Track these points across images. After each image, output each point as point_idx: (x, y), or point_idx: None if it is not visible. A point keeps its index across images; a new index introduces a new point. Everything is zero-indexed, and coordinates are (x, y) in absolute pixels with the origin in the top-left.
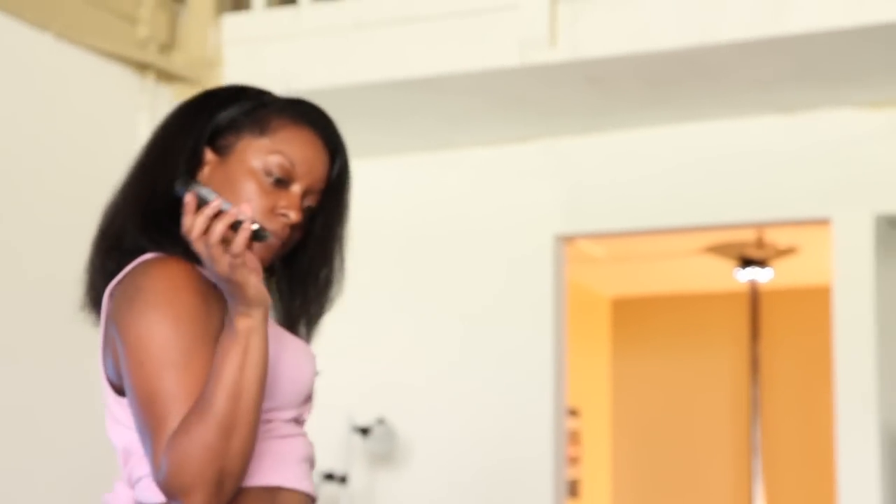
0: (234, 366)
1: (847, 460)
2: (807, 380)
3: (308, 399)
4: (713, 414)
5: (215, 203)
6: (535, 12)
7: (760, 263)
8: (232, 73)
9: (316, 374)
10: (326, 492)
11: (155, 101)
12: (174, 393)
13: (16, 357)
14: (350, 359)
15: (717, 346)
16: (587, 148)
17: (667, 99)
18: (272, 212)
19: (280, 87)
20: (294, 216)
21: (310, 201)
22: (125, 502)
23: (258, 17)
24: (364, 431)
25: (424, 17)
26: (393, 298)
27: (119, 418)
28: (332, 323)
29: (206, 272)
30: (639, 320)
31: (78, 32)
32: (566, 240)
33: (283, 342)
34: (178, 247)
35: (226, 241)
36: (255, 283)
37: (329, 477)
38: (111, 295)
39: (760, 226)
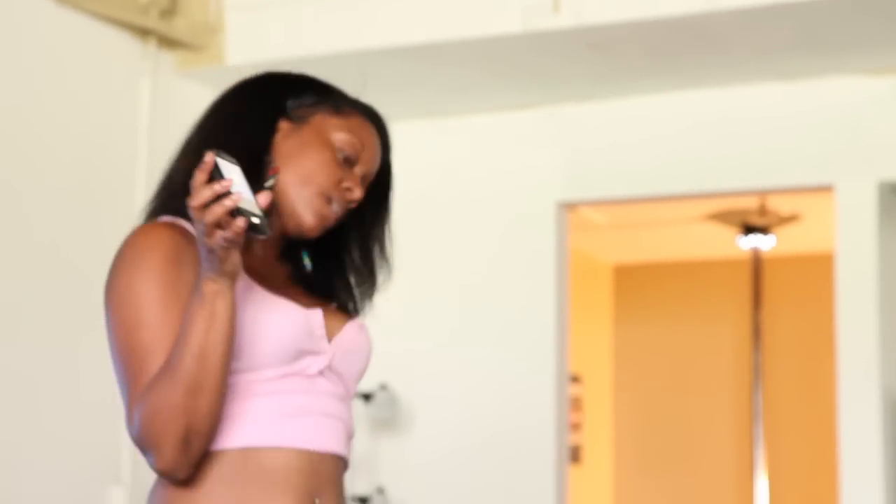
0: (199, 328)
1: (849, 427)
2: (809, 347)
3: (302, 355)
4: (715, 381)
5: (227, 182)
6: None
7: (763, 230)
8: (234, 39)
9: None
10: None
11: (156, 67)
12: (146, 351)
13: (18, 321)
14: None
15: (719, 313)
16: (589, 115)
17: (669, 66)
18: (339, 184)
19: (281, 52)
20: (358, 193)
21: (363, 189)
22: None
23: None
24: (366, 397)
25: None
26: (395, 265)
27: None
28: None
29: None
30: (641, 287)
31: None
32: (568, 207)
33: (260, 303)
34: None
35: (220, 225)
36: (233, 260)
37: None
38: None
39: (763, 193)
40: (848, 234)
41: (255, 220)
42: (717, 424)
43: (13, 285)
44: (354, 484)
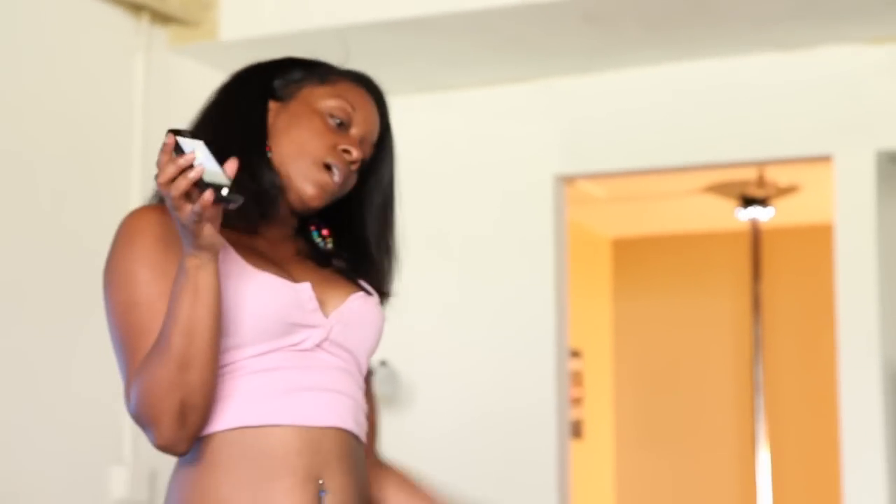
0: (185, 303)
1: (849, 398)
2: (809, 318)
3: (293, 329)
4: (715, 353)
5: (189, 156)
6: None
7: (761, 202)
8: (227, 14)
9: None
10: None
11: (150, 43)
12: (140, 330)
13: (18, 301)
14: None
15: (718, 285)
16: (586, 87)
17: (665, 37)
18: (335, 148)
19: (275, 27)
20: (356, 153)
21: (364, 151)
22: None
23: None
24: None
25: None
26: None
27: None
28: None
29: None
30: (640, 260)
31: None
32: (566, 180)
33: (241, 278)
34: None
35: (189, 195)
36: (207, 233)
37: None
38: None
39: (761, 164)
40: (847, 204)
41: (223, 192)
42: (717, 397)
43: (12, 265)
44: None
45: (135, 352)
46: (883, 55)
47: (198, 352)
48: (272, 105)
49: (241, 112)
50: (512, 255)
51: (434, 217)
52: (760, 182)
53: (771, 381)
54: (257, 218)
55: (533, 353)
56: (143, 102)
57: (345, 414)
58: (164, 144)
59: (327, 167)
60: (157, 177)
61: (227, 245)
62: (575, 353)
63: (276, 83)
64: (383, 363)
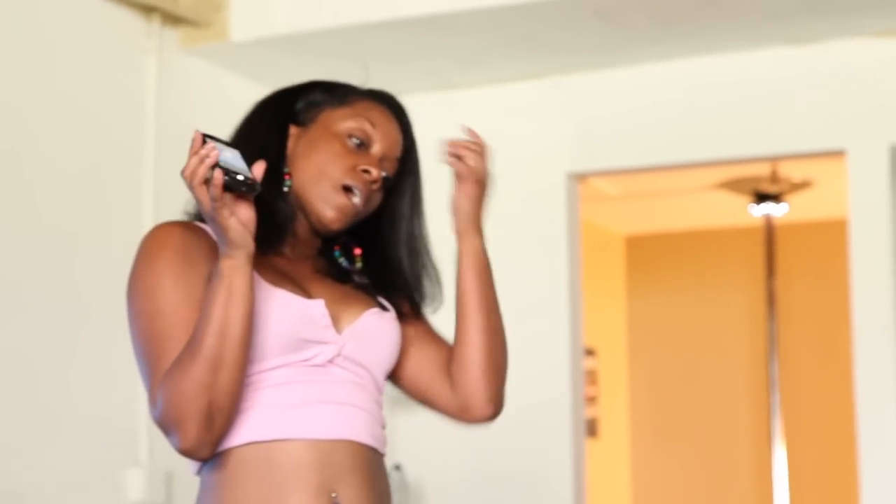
0: (219, 304)
1: (866, 392)
2: (824, 314)
3: (306, 344)
4: (730, 350)
5: (209, 146)
6: None
7: (775, 198)
8: (238, 15)
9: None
10: None
11: (161, 45)
12: (164, 337)
13: (34, 303)
14: None
15: (732, 282)
16: (598, 84)
17: (677, 32)
18: (354, 169)
19: (286, 27)
20: (375, 172)
21: (386, 168)
22: None
23: None
24: None
25: None
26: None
27: None
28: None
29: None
30: (653, 258)
31: None
32: (579, 178)
33: (259, 294)
34: None
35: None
36: (234, 226)
37: None
38: None
39: (774, 159)
40: (860, 198)
41: (239, 177)
42: (733, 394)
43: (25, 269)
44: None
45: (159, 359)
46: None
47: (229, 352)
48: (293, 130)
49: (262, 137)
50: (525, 254)
51: (446, 215)
52: (774, 177)
53: (786, 378)
54: (272, 241)
55: (547, 351)
56: (154, 104)
57: (358, 426)
58: (192, 141)
59: (347, 189)
60: (182, 171)
61: None
62: (589, 352)
63: (298, 107)
64: None
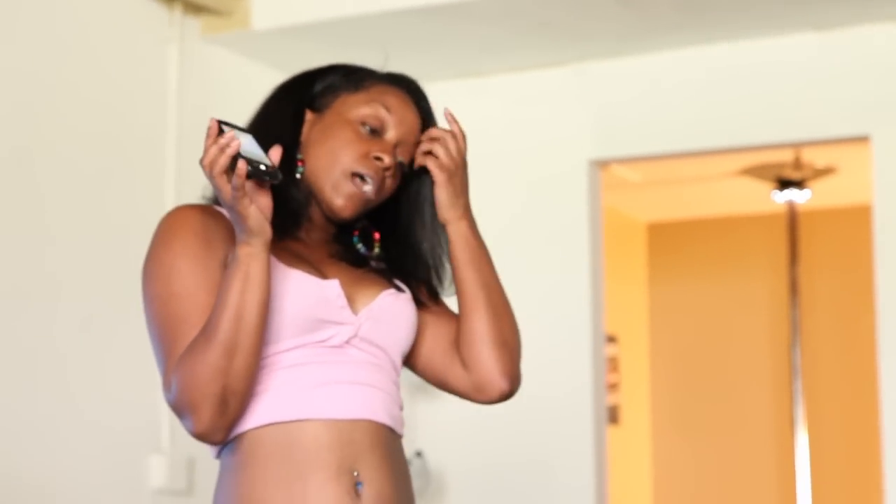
0: (235, 290)
1: (890, 380)
2: (847, 300)
3: (322, 325)
4: (752, 337)
5: (229, 134)
6: None
7: (798, 184)
8: (259, 3)
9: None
10: None
11: (183, 33)
12: (180, 320)
13: (56, 293)
14: None
15: (755, 268)
16: (620, 71)
17: (699, 18)
18: (367, 156)
19: (308, 16)
20: (388, 160)
21: (402, 154)
22: None
23: None
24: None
25: None
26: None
27: None
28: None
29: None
30: (675, 245)
31: None
32: (600, 165)
33: (275, 275)
34: None
35: (230, 176)
36: (254, 214)
37: None
38: None
39: (797, 145)
40: (884, 184)
41: (262, 166)
42: (755, 382)
43: (47, 258)
44: None
45: (174, 342)
46: None
47: (245, 337)
48: (309, 116)
49: (278, 122)
50: (547, 241)
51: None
52: (797, 164)
53: (809, 365)
54: (287, 228)
55: (569, 338)
56: (176, 93)
57: (376, 406)
58: (208, 129)
59: (358, 177)
60: (201, 160)
61: None
62: (611, 339)
63: (316, 91)
64: None
